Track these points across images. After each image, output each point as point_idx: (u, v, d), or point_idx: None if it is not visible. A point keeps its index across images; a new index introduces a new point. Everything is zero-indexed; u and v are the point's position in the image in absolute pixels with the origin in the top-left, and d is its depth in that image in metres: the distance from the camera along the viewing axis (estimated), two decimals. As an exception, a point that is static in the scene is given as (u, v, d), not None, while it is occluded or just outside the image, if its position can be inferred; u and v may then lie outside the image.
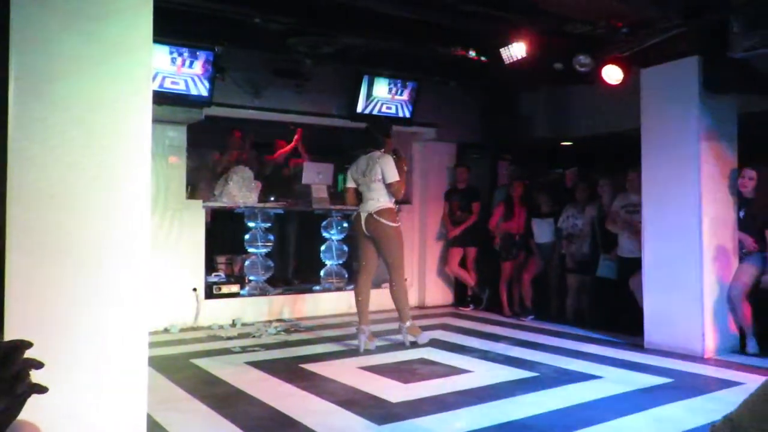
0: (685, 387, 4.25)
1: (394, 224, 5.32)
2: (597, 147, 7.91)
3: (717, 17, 4.76)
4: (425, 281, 7.98)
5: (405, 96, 7.31)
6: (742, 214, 5.44)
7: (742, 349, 5.33)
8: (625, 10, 4.99)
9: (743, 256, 5.42)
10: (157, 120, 5.93)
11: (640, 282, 5.61)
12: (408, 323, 5.52)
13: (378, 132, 5.43)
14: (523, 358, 5.07)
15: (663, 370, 4.71)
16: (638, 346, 5.47)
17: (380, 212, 5.28)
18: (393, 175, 5.22)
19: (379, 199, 5.28)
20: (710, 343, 5.20)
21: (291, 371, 4.62)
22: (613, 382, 4.35)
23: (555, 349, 5.35)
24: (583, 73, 5.72)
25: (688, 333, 5.23)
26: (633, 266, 5.85)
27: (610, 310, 6.37)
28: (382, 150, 5.36)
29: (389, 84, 7.17)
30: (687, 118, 5.27)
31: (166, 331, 6.05)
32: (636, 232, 5.83)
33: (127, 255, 2.65)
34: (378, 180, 5.25)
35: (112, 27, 2.65)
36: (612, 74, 5.61)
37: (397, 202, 5.62)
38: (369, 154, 5.36)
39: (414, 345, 5.45)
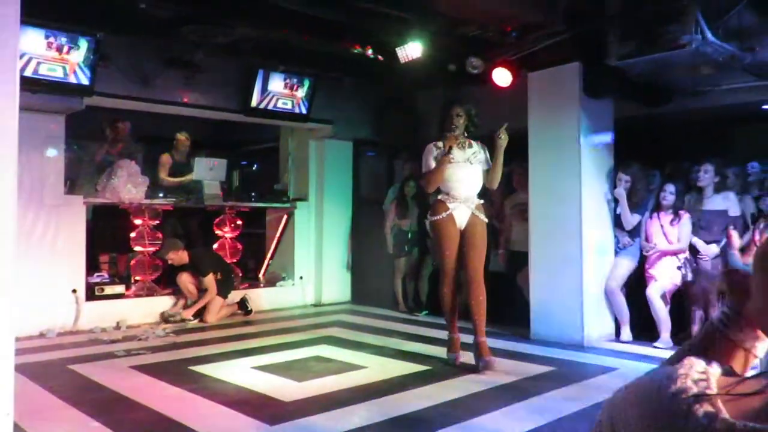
0: (566, 375, 4.49)
1: (429, 218, 4.82)
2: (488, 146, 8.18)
3: (595, 26, 5.05)
4: (322, 278, 7.93)
5: (301, 92, 7.22)
6: (618, 211, 5.80)
7: (617, 337, 5.71)
8: (511, 14, 5.20)
9: (618, 250, 5.79)
10: (30, 109, 5.56)
11: (527, 276, 5.87)
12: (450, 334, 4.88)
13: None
14: (417, 352, 5.16)
15: (546, 359, 4.94)
16: (525, 337, 5.71)
17: None
18: (422, 166, 4.76)
19: None
20: (589, 333, 5.52)
21: (179, 374, 4.44)
22: (500, 372, 4.50)
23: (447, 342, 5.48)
24: (475, 75, 5.90)
25: (569, 323, 5.53)
26: (523, 260, 6.10)
27: (500, 303, 6.61)
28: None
29: (285, 79, 7.05)
30: (569, 121, 5.56)
31: (41, 335, 5.62)
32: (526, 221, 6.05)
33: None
34: None
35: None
36: (502, 77, 5.82)
37: (430, 193, 4.96)
38: None
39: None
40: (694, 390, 0.64)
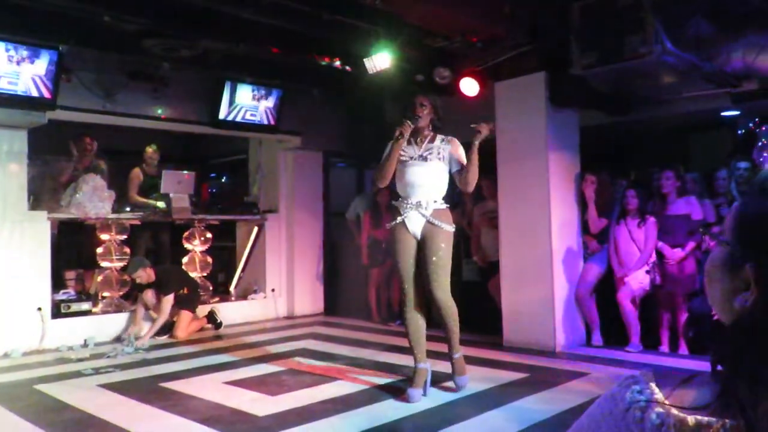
0: (540, 380, 4.53)
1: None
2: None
3: (559, 37, 5.15)
4: (294, 290, 7.88)
5: (269, 103, 7.20)
6: (585, 217, 5.90)
7: (588, 342, 5.79)
8: (476, 25, 5.27)
9: (587, 256, 5.89)
10: (-9, 123, 5.44)
11: (498, 284, 5.93)
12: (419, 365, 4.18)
13: None
14: (390, 362, 5.15)
15: (520, 366, 4.99)
16: (497, 344, 5.75)
17: None
18: None
19: None
20: (561, 339, 5.59)
21: (150, 391, 4.36)
22: (474, 380, 4.51)
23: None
24: (443, 85, 5.96)
25: (541, 330, 5.59)
26: (493, 267, 6.15)
27: (473, 311, 6.66)
28: None
29: (253, 90, 7.02)
30: (536, 130, 5.65)
31: (5, 356, 5.48)
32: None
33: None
34: None
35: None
36: (469, 87, 5.89)
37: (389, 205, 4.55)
38: None
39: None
40: (643, 398, 0.71)
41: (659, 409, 0.69)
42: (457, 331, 4.16)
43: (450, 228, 4.03)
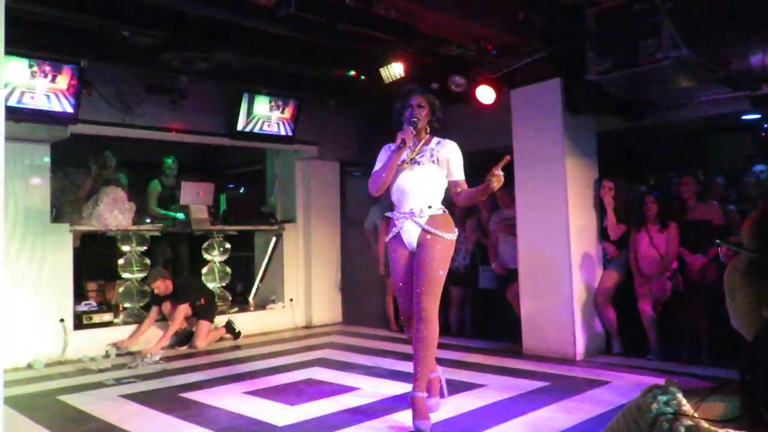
0: (560, 389, 4.49)
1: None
2: (471, 163, 8.24)
3: (574, 43, 5.12)
4: (311, 300, 7.90)
5: (286, 114, 7.25)
6: (604, 223, 5.86)
7: (608, 350, 5.72)
8: (490, 33, 5.27)
9: (606, 263, 5.83)
10: (14, 138, 5.54)
11: (516, 291, 5.89)
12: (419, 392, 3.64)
13: None
14: (409, 371, 5.10)
15: (540, 374, 4.94)
16: (517, 352, 5.71)
17: None
18: None
19: None
20: (581, 346, 5.53)
21: (170, 401, 4.39)
22: (494, 389, 4.50)
23: (439, 361, 5.41)
24: (458, 93, 5.96)
25: (561, 337, 5.55)
26: (512, 276, 6.12)
27: (491, 319, 6.63)
28: None
29: (270, 102, 7.08)
30: (552, 136, 5.63)
31: (29, 367, 5.54)
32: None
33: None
34: None
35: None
36: (485, 94, 5.89)
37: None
38: None
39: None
40: (670, 410, 0.68)
41: (688, 422, 0.66)
42: (429, 361, 3.65)
43: (448, 236, 3.61)
